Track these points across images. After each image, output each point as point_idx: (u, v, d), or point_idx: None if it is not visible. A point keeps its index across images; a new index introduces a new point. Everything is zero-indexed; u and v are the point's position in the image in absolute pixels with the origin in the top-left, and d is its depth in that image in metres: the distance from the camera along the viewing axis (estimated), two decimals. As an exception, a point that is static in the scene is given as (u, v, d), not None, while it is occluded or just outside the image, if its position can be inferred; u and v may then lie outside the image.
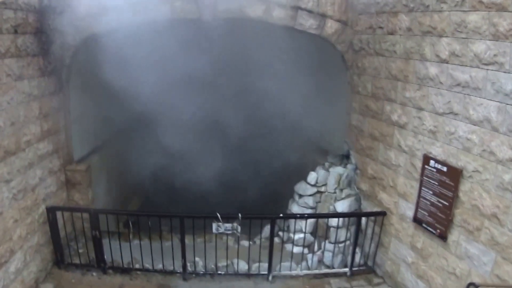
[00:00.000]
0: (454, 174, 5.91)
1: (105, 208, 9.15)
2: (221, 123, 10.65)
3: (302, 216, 7.67)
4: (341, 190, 8.37)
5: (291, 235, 8.44)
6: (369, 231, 7.76)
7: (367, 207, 8.10)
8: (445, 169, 6.08)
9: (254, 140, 10.62)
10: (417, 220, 6.69)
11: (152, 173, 11.19)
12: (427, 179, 6.43)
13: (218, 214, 6.71)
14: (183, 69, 8.43)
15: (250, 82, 9.85)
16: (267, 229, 8.58)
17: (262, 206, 10.20)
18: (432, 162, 6.32)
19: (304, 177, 8.81)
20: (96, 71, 7.62)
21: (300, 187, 8.77)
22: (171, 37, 7.60)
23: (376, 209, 7.73)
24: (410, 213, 6.86)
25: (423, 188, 6.53)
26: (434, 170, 6.28)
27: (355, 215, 7.91)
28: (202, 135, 10.75)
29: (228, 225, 6.79)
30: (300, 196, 8.72)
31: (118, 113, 9.96)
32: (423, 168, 6.48)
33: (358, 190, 8.33)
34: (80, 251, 8.03)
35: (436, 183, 6.24)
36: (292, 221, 8.44)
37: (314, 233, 8.41)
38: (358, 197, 8.29)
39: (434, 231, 6.30)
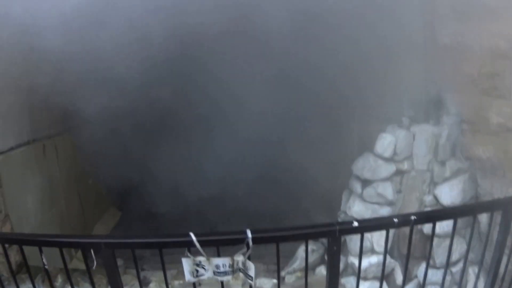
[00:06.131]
0: None
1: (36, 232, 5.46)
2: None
3: (404, 221, 3.40)
4: (442, 163, 4.62)
5: (352, 259, 4.70)
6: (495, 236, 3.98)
7: (492, 189, 4.32)
8: None
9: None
10: None
11: (143, 172, 7.93)
12: None
13: (192, 236, 2.85)
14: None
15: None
16: (302, 253, 4.94)
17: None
18: None
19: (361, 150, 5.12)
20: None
21: (365, 165, 4.89)
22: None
23: (515, 190, 3.98)
24: None
25: None
26: None
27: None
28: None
29: (223, 261, 2.95)
30: (366, 182, 4.92)
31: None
32: None
33: (469, 160, 4.57)
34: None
35: None
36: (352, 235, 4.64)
37: (393, 251, 4.68)
38: (471, 173, 4.50)
39: None
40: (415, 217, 3.25)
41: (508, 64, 3.92)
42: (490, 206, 3.71)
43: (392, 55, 5.13)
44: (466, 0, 4.32)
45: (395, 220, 3.22)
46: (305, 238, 3.17)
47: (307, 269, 3.19)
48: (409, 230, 3.48)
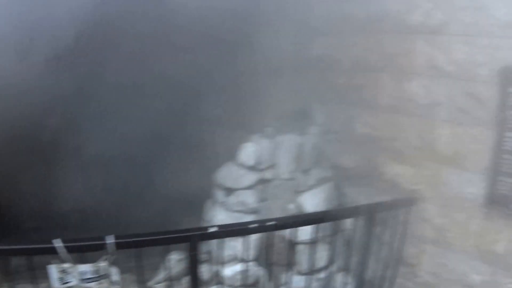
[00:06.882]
0: None
1: None
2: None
3: (264, 226, 3.27)
4: (306, 172, 4.67)
5: (217, 268, 4.57)
6: (360, 240, 4.06)
7: (358, 197, 4.43)
8: None
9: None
10: (497, 202, 3.30)
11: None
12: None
13: (56, 242, 2.56)
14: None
15: None
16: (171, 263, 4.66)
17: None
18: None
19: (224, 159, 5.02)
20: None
21: (228, 175, 4.80)
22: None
23: (381, 197, 4.06)
24: (473, 190, 3.46)
25: (509, 134, 3.16)
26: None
27: (366, 211, 3.88)
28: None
29: (86, 267, 2.71)
30: (229, 191, 4.81)
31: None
32: (503, 96, 3.17)
33: (334, 169, 4.71)
34: None
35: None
36: (216, 242, 4.44)
37: (262, 259, 4.63)
38: (337, 182, 4.63)
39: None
40: (276, 222, 3.22)
41: (374, 76, 4.11)
42: (352, 212, 3.77)
43: (259, 68, 5.15)
44: (336, 14, 4.47)
45: (256, 225, 3.18)
46: (165, 243, 3.11)
47: (171, 276, 3.05)
48: (271, 235, 3.45)
